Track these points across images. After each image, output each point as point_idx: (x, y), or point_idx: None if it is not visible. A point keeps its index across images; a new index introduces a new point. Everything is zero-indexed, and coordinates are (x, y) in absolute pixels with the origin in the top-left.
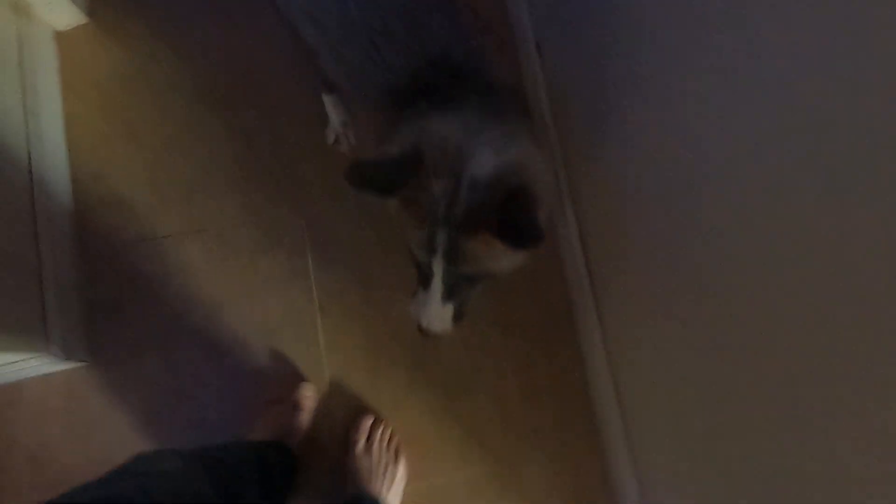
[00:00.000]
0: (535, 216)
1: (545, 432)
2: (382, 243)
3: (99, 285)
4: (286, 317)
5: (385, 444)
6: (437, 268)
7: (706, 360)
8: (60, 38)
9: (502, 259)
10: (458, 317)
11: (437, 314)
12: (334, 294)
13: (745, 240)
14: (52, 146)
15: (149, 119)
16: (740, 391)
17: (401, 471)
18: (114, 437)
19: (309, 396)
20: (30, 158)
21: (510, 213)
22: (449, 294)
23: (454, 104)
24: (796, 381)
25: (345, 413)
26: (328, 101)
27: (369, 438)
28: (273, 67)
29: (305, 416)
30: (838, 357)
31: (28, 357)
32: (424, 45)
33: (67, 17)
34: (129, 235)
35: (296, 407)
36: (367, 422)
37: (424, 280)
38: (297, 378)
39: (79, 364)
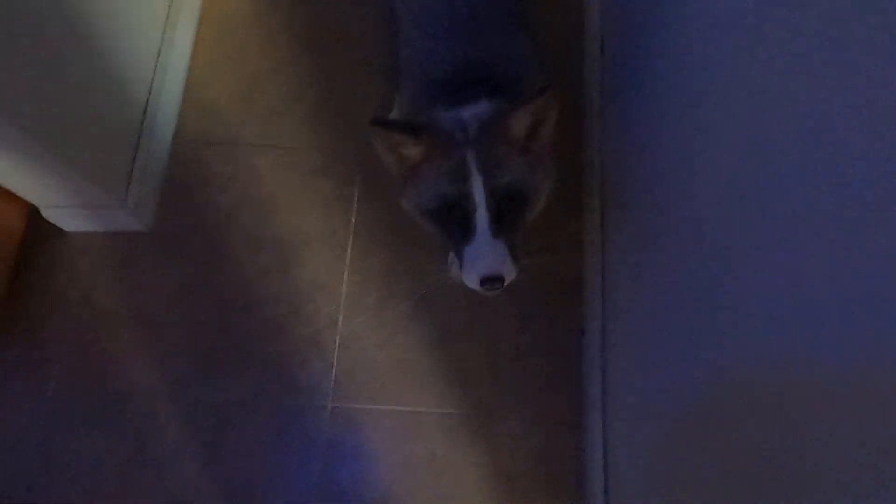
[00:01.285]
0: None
1: (528, 394)
2: None
3: (178, 168)
4: (324, 231)
5: None
6: (477, 187)
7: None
8: None
9: (535, 161)
10: (514, 255)
11: (495, 253)
12: (369, 223)
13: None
14: (179, 49)
15: (259, 49)
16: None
17: None
18: (152, 300)
19: None
20: (159, 54)
21: (516, 99)
22: (497, 225)
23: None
24: None
25: (348, 328)
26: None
27: None
28: (366, 33)
29: None
30: None
31: (106, 206)
32: (469, 57)
33: None
34: (215, 137)
35: None
36: None
37: (464, 227)
38: (313, 286)
39: (142, 229)
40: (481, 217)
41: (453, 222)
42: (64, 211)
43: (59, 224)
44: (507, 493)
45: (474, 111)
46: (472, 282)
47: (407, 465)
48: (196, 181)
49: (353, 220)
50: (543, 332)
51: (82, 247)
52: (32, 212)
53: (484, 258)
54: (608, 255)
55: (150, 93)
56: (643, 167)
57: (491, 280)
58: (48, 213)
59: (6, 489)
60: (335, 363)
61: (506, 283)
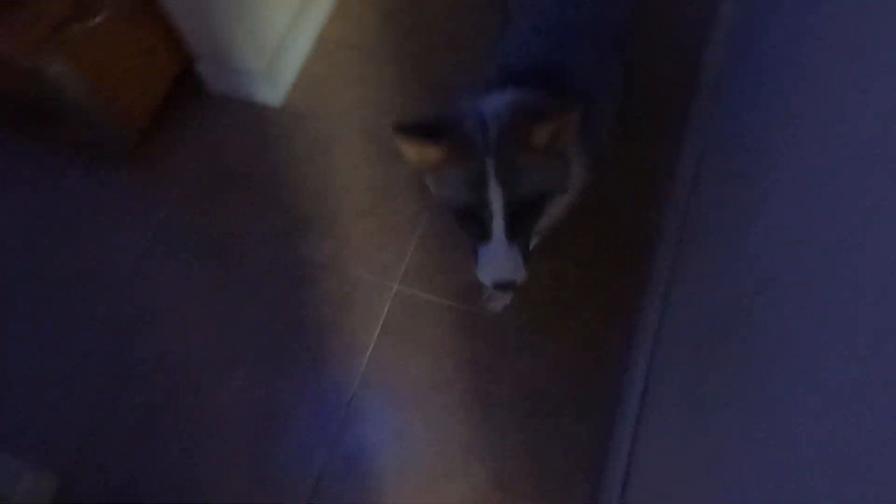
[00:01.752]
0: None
1: (583, 322)
2: None
3: (316, 60)
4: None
5: None
6: (495, 197)
7: None
8: None
9: (553, 169)
10: (526, 257)
11: (508, 259)
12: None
13: None
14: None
15: (393, 40)
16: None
17: None
18: (267, 165)
19: None
20: None
21: (531, 110)
22: (513, 232)
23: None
24: None
25: (433, 225)
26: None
27: None
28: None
29: None
30: None
31: (251, 75)
32: (550, 57)
33: None
34: (354, 41)
35: None
36: None
37: (482, 231)
38: (405, 185)
39: (274, 104)
40: (498, 225)
41: (472, 223)
42: (215, 69)
43: (207, 80)
44: (537, 407)
45: (497, 104)
46: (485, 281)
47: (454, 357)
48: (328, 76)
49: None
50: (608, 268)
51: (220, 106)
52: (185, 68)
53: (498, 264)
54: None
55: None
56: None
57: (503, 285)
58: (202, 67)
59: (98, 289)
60: (410, 252)
61: (517, 284)
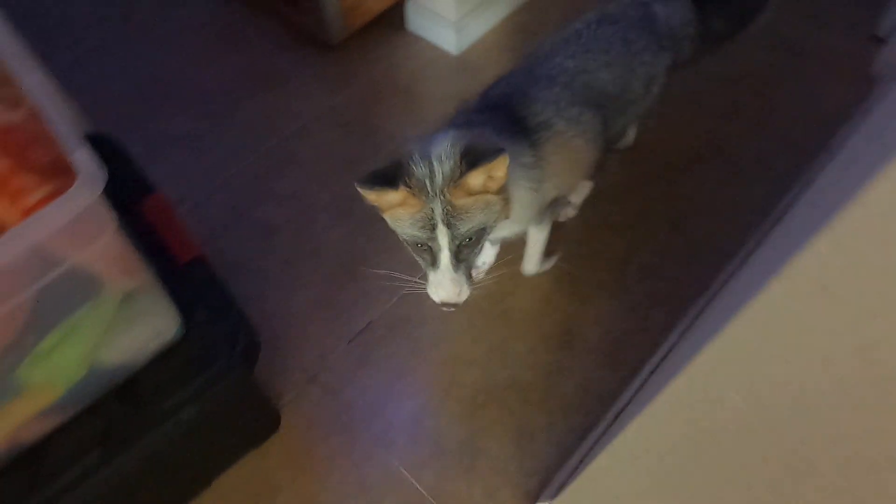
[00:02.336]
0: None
1: (641, 292)
2: None
3: (498, 37)
4: None
5: None
6: (441, 235)
7: None
8: None
9: (489, 207)
10: (469, 279)
11: (453, 282)
12: None
13: None
14: None
15: None
16: None
17: None
18: (430, 101)
19: None
20: None
21: (469, 155)
22: (457, 260)
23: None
24: None
25: None
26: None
27: None
28: None
29: None
30: None
31: (447, 22)
32: (528, 99)
33: None
34: (517, 51)
35: None
36: None
37: (432, 259)
38: None
39: (454, 52)
40: (444, 256)
41: (423, 253)
42: (420, 10)
43: (408, 17)
44: (567, 345)
45: (440, 148)
46: (434, 299)
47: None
48: (502, 47)
49: None
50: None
51: (411, 41)
52: (399, 2)
53: (445, 287)
54: None
55: None
56: None
57: (448, 304)
58: (409, 5)
59: (267, 132)
60: None
61: (459, 304)
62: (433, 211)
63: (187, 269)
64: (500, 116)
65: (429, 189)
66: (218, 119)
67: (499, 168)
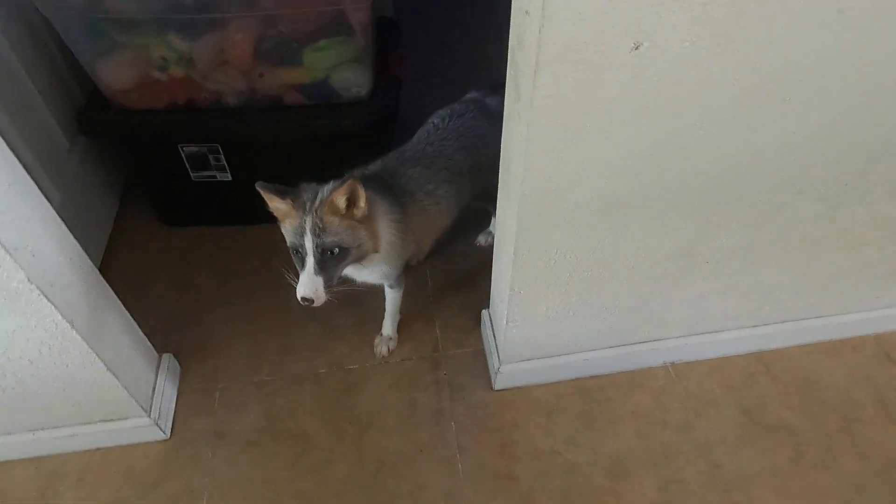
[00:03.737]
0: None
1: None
2: None
3: None
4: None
5: None
6: (308, 243)
7: None
8: None
9: (353, 231)
10: (328, 286)
11: (312, 284)
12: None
13: None
14: None
15: None
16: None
17: None
18: None
19: None
20: None
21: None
22: (320, 268)
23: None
24: None
25: None
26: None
27: None
28: None
29: None
30: None
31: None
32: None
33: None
34: None
35: None
36: None
37: (301, 263)
38: None
39: None
40: (309, 261)
41: (298, 257)
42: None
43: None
44: None
45: (332, 185)
46: (297, 294)
47: None
48: None
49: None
50: None
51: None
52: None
53: (305, 286)
54: None
55: None
56: None
57: (305, 300)
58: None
59: None
60: None
61: (316, 304)
62: (306, 222)
63: (391, 77)
64: (377, 183)
65: (307, 207)
66: None
67: (356, 195)
